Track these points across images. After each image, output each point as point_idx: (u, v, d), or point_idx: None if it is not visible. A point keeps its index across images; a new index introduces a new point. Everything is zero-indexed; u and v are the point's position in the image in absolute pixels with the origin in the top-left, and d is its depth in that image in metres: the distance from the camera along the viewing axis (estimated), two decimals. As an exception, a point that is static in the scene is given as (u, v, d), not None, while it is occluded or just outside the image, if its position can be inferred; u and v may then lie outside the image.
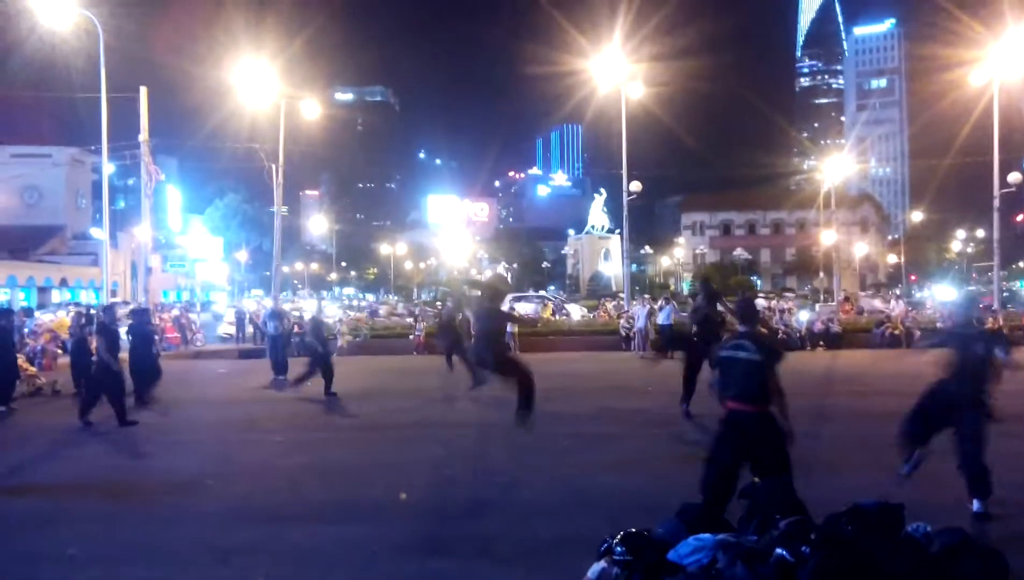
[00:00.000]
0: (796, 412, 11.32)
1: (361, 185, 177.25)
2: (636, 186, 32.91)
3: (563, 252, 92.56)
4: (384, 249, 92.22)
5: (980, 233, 76.09)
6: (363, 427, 10.67)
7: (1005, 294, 36.20)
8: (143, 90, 24.02)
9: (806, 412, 11.23)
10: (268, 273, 38.87)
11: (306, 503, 6.68)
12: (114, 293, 34.43)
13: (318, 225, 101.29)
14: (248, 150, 29.39)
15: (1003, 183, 28.83)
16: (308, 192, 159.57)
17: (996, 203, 28.81)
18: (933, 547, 4.06)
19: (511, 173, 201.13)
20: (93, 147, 25.44)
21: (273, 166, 27.22)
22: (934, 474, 5.97)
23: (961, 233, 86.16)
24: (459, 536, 5.66)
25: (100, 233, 29.99)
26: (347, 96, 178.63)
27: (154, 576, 5.01)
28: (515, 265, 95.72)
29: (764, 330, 6.33)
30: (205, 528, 5.92)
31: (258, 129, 29.46)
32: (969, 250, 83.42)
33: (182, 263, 61.73)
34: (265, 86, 25.91)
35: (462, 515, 6.21)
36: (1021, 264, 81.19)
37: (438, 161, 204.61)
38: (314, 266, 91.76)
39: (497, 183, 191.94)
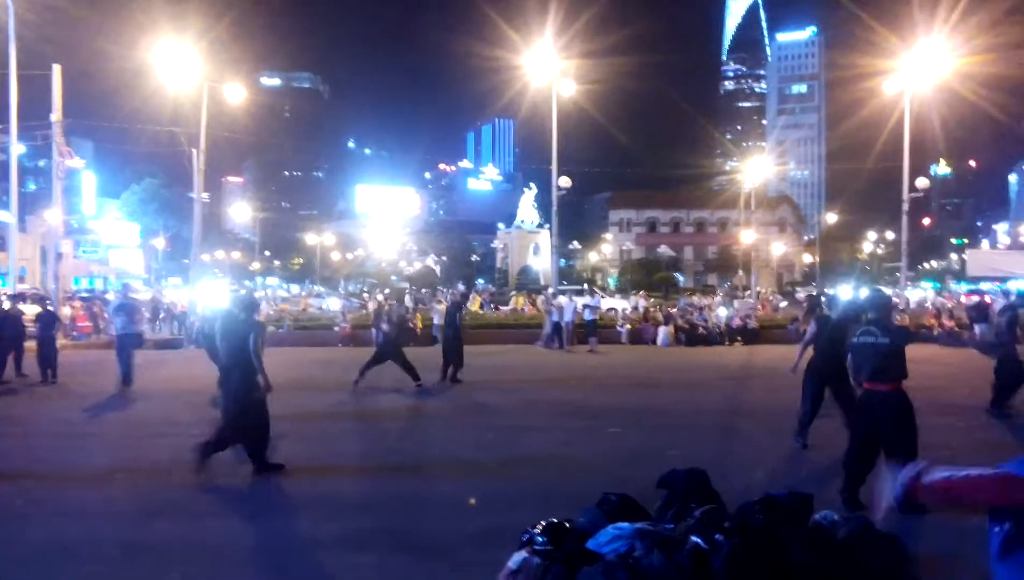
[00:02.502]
0: (713, 406, 11.69)
1: (287, 173, 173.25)
2: (566, 182, 33.23)
3: (493, 246, 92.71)
4: (311, 239, 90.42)
5: (890, 235, 79.71)
6: (284, 420, 10.44)
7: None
8: (56, 68, 22.87)
9: (723, 405, 11.62)
10: (187, 261, 37.57)
11: (222, 498, 6.50)
12: (22, 279, 32.69)
13: (241, 212, 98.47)
14: (168, 134, 28.35)
15: (912, 188, 30.30)
16: (231, 179, 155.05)
17: (905, 207, 30.27)
18: (839, 534, 4.23)
19: (442, 165, 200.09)
20: (1, 126, 24.06)
21: (194, 151, 26.33)
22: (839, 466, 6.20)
23: (872, 235, 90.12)
24: (380, 530, 5.60)
25: (7, 216, 28.42)
26: (274, 81, 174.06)
27: (62, 573, 4.79)
28: (444, 258, 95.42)
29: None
30: (115, 524, 5.70)
31: (180, 112, 28.44)
32: (879, 251, 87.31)
33: (95, 249, 59.11)
34: (187, 68, 25.02)
35: (383, 509, 6.15)
36: (926, 265, 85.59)
37: (367, 151, 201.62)
38: (236, 255, 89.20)
39: (428, 175, 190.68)
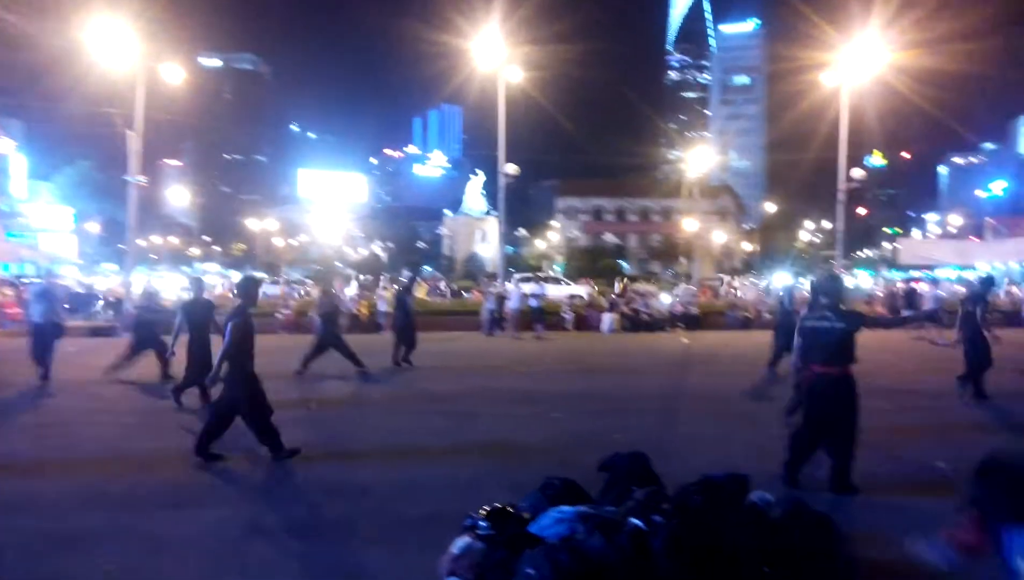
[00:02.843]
0: (655, 391, 11.88)
1: (228, 156, 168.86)
2: (513, 169, 33.23)
3: (439, 232, 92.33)
4: (252, 224, 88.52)
5: (826, 224, 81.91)
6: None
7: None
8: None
9: (665, 390, 11.84)
10: (123, 246, 36.39)
11: (160, 488, 6.35)
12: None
13: (179, 196, 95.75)
14: (103, 114, 27.35)
15: (848, 178, 31.19)
16: (169, 162, 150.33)
17: (841, 197, 31.16)
18: (773, 513, 4.39)
19: (388, 151, 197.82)
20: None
21: (129, 132, 25.46)
22: (777, 447, 6.38)
23: (810, 224, 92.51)
24: (323, 518, 5.57)
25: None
26: (214, 62, 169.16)
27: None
28: (390, 244, 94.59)
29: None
30: (47, 515, 5.53)
31: (116, 93, 27.44)
32: (816, 240, 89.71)
33: (25, 233, 56.79)
34: (124, 46, 24.14)
35: (326, 497, 6.10)
36: (861, 254, 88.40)
37: (311, 134, 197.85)
38: (174, 240, 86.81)
39: (374, 160, 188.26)
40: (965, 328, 10.56)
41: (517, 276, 37.59)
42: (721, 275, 44.72)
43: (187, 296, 11.81)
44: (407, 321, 14.65)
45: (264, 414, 7.05)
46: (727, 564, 3.78)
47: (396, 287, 19.12)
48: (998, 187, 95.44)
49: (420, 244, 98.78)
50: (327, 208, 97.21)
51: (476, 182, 77.90)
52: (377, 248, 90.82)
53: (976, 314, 10.38)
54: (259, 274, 69.73)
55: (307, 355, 13.08)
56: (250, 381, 7.01)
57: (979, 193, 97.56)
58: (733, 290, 42.58)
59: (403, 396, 11.27)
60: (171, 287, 31.50)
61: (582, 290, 36.69)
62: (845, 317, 6.09)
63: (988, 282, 11.35)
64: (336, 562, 4.71)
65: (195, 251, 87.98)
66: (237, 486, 6.37)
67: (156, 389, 11.37)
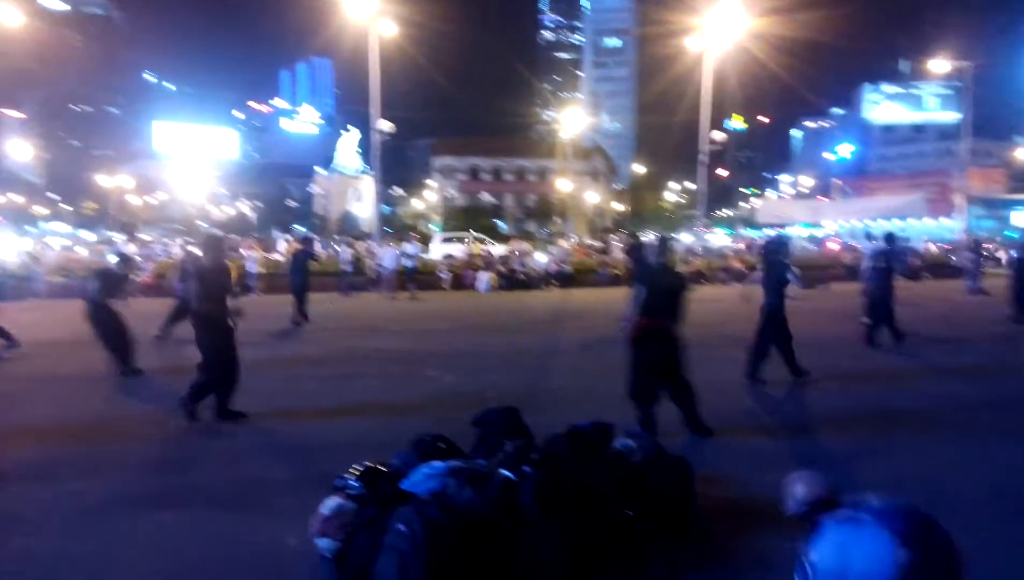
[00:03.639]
0: (528, 347, 12.12)
1: (76, 107, 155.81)
2: (387, 126, 32.59)
3: (311, 190, 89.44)
4: (105, 181, 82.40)
5: (690, 185, 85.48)
6: (73, 379, 9.64)
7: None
8: None
9: (537, 346, 12.12)
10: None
11: (11, 462, 5.92)
12: None
13: (21, 150, 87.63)
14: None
15: (710, 141, 32.63)
16: (9, 112, 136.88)
17: (703, 158, 32.59)
18: (635, 458, 4.62)
19: (254, 104, 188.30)
20: None
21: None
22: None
23: (675, 185, 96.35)
24: (184, 487, 5.37)
25: None
26: (59, 5, 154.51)
27: None
28: (259, 202, 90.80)
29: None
30: None
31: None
32: (681, 200, 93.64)
33: None
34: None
35: (188, 465, 5.89)
36: (722, 213, 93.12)
37: (169, 85, 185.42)
38: (17, 198, 79.57)
39: (238, 114, 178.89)
40: (876, 281, 11.16)
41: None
42: (611, 236, 46.13)
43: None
44: (304, 283, 14.96)
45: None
46: (592, 508, 3.96)
47: (295, 247, 18.86)
48: (845, 150, 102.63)
49: (291, 203, 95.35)
50: (187, 164, 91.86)
51: (349, 139, 75.76)
52: (244, 206, 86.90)
53: (890, 270, 10.96)
54: (115, 234, 65.25)
55: (167, 319, 12.53)
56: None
57: (828, 156, 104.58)
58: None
59: (274, 360, 10.96)
60: (10, 249, 29.06)
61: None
62: (677, 275, 6.64)
63: (890, 238, 12.11)
64: (202, 530, 4.57)
65: (41, 210, 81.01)
66: (89, 459, 6.03)
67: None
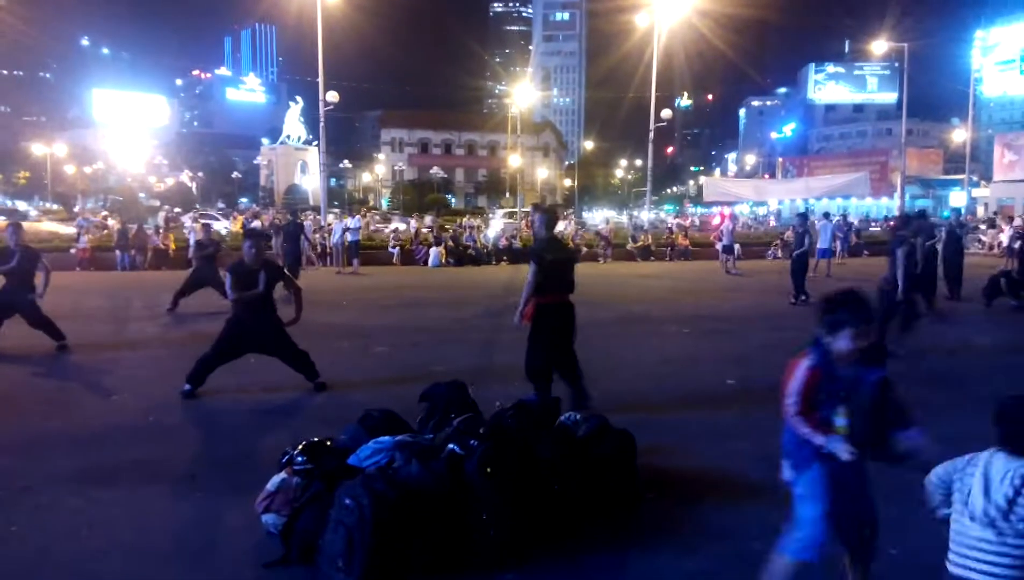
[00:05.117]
0: (476, 322, 12.13)
1: (6, 72, 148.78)
2: (334, 96, 31.95)
3: (256, 162, 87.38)
4: (38, 149, 79.11)
5: (639, 162, 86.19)
6: (12, 353, 9.32)
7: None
8: None
9: (486, 321, 12.15)
10: None
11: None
12: None
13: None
14: None
15: (658, 118, 32.87)
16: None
17: (651, 136, 32.84)
18: (580, 432, 4.70)
19: (196, 72, 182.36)
20: None
21: None
22: (588, 369, 6.77)
23: (624, 161, 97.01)
24: (127, 463, 5.27)
25: None
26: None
27: None
28: (201, 174, 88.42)
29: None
30: None
31: None
32: (630, 177, 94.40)
33: None
34: None
35: (131, 442, 5.77)
36: (669, 190, 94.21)
37: (106, 50, 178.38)
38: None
39: (180, 81, 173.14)
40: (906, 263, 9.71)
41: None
42: (568, 212, 46.22)
43: None
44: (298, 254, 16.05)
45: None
46: (537, 480, 4.03)
47: (287, 220, 19.18)
48: (789, 129, 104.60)
49: (235, 174, 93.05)
50: (126, 133, 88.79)
51: (295, 109, 73.97)
52: (186, 178, 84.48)
53: (918, 247, 10.03)
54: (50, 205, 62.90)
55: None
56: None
57: (773, 134, 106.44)
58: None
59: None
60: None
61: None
62: (569, 251, 6.63)
63: (922, 215, 12.99)
64: (139, 507, 4.49)
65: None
66: (32, 435, 5.86)
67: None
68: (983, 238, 31.13)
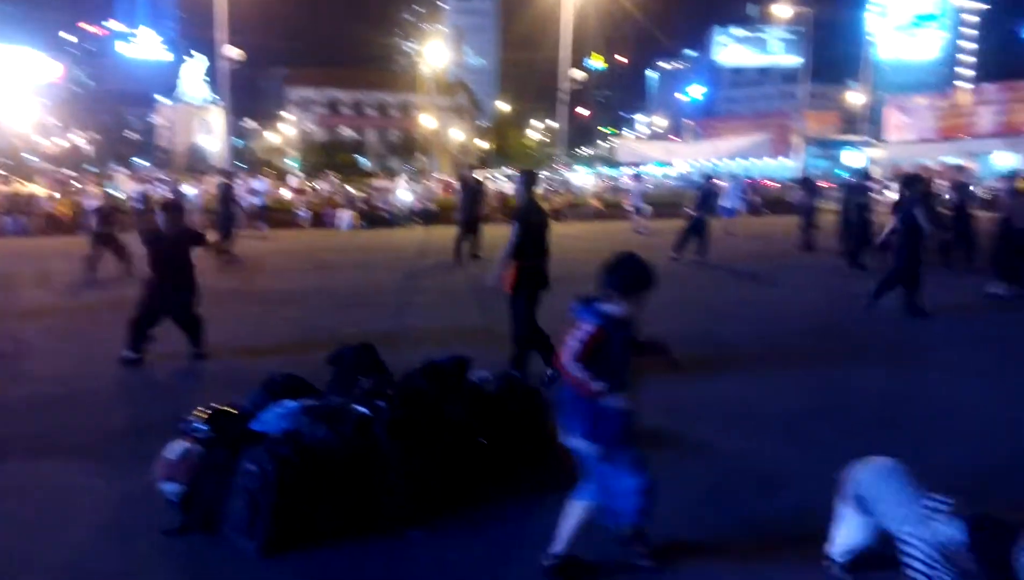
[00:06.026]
0: (388, 285, 11.99)
1: None
2: (235, 53, 30.63)
3: (153, 121, 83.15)
4: (-93, 107, 72.85)
5: (552, 124, 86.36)
6: None
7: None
8: None
9: (397, 284, 12.04)
10: None
11: None
12: None
13: None
14: None
15: (570, 80, 32.97)
16: None
17: (563, 97, 32.95)
18: (489, 389, 4.74)
19: (85, 25, 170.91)
20: None
21: None
22: (500, 331, 6.81)
23: (538, 123, 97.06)
24: (19, 434, 5.02)
25: None
26: None
27: None
28: (94, 134, 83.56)
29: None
30: None
31: None
32: (545, 139, 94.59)
33: None
34: None
35: (28, 412, 5.51)
36: (581, 151, 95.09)
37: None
38: None
39: (68, 36, 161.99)
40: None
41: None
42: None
43: None
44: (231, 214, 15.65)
45: None
46: (446, 439, 4.05)
47: (219, 182, 18.19)
48: (696, 92, 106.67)
49: (130, 134, 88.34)
50: (8, 90, 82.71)
51: (193, 66, 70.54)
52: (78, 138, 79.67)
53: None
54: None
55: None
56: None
57: (680, 97, 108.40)
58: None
59: (116, 302, 10.30)
60: None
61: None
62: (546, 214, 6.68)
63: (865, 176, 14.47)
64: (34, 480, 4.29)
65: None
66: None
67: None
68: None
